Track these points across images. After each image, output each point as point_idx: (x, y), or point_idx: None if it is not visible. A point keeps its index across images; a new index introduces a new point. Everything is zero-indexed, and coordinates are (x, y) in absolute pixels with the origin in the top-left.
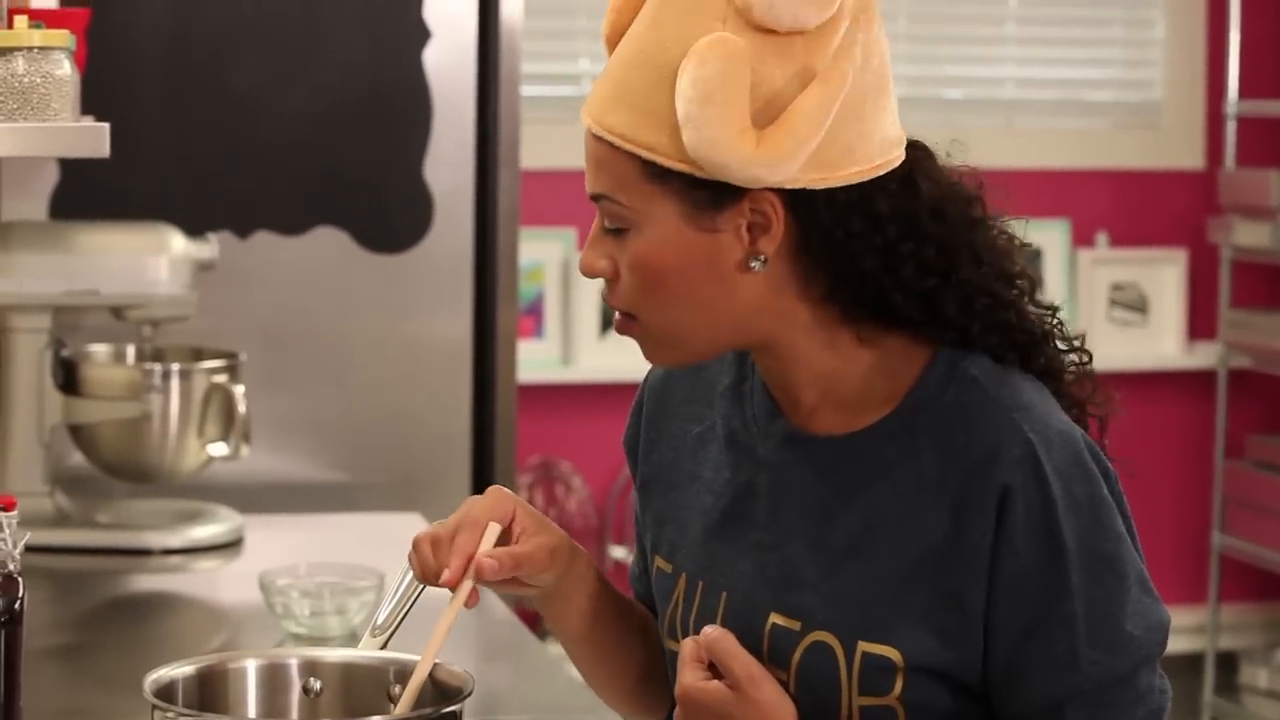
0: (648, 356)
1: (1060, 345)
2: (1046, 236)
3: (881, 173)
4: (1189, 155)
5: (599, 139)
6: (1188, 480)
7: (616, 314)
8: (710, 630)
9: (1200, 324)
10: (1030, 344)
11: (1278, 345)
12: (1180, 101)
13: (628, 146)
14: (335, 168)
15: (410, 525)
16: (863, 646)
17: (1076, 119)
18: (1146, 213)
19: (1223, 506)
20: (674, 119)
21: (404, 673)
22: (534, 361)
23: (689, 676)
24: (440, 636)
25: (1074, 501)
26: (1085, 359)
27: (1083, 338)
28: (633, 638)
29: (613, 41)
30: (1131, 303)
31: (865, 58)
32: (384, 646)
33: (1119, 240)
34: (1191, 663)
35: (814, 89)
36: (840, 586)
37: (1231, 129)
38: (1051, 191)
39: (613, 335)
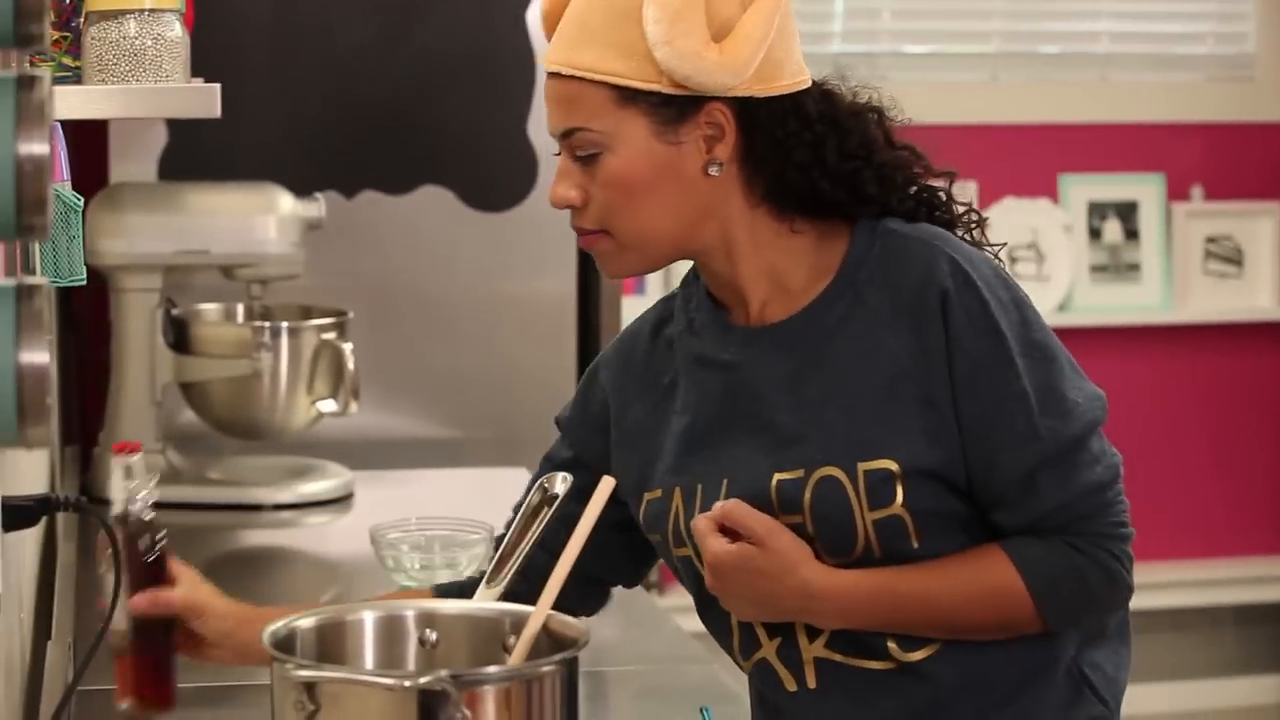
0: (611, 269)
1: (958, 205)
2: (1141, 190)
3: (802, 87)
4: None
5: (570, 78)
6: None
7: (582, 234)
8: (721, 503)
9: None
10: (936, 204)
11: None
12: (1274, 54)
13: (601, 77)
14: (439, 128)
15: (518, 479)
16: (862, 467)
17: (1170, 73)
18: (1241, 166)
19: None
20: (641, 46)
21: (519, 623)
22: (635, 318)
23: (715, 545)
24: (556, 587)
25: (1002, 302)
26: (977, 216)
27: (969, 204)
28: None
29: (551, 20)
30: (1227, 255)
31: None
32: (500, 598)
33: (1214, 193)
34: None
35: (757, 7)
36: (829, 426)
37: None
38: (1146, 145)
39: None
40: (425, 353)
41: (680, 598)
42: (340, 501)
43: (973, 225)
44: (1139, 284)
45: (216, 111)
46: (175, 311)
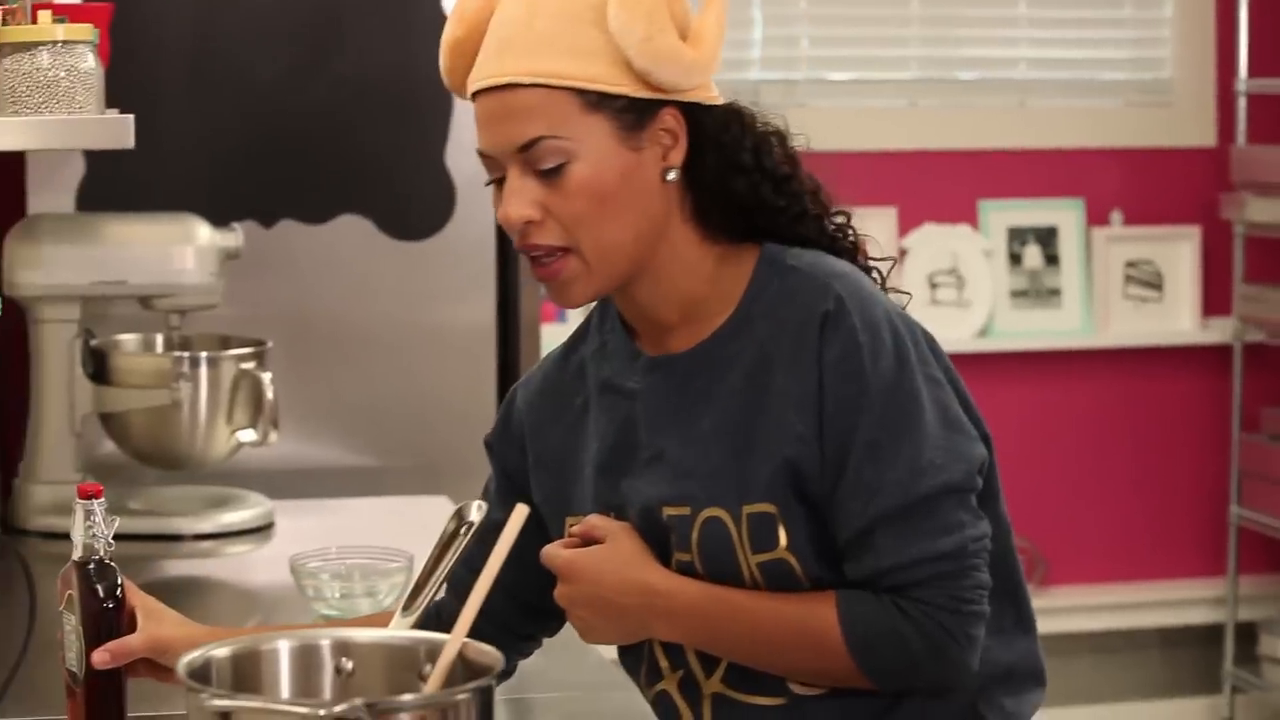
0: (572, 294)
1: (860, 240)
2: (1061, 215)
3: (722, 101)
4: (1201, 133)
5: (530, 87)
6: (1205, 455)
7: (538, 260)
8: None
9: (1215, 300)
10: (844, 233)
11: None
12: (1191, 79)
13: (567, 82)
14: (358, 156)
15: (437, 508)
16: (746, 509)
17: (1089, 98)
18: (1160, 190)
19: (1239, 480)
20: (604, 49)
21: (434, 651)
22: (557, 344)
23: (561, 551)
24: (470, 615)
25: (879, 347)
26: (880, 260)
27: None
28: None
29: (467, 42)
30: (1147, 279)
31: None
32: (415, 625)
33: (1133, 218)
34: (1212, 634)
35: (713, 6)
36: (716, 466)
37: (1242, 105)
38: (1065, 171)
39: None
40: (344, 382)
41: None
42: (260, 531)
43: (871, 266)
44: (1059, 309)
45: (130, 142)
46: (94, 342)
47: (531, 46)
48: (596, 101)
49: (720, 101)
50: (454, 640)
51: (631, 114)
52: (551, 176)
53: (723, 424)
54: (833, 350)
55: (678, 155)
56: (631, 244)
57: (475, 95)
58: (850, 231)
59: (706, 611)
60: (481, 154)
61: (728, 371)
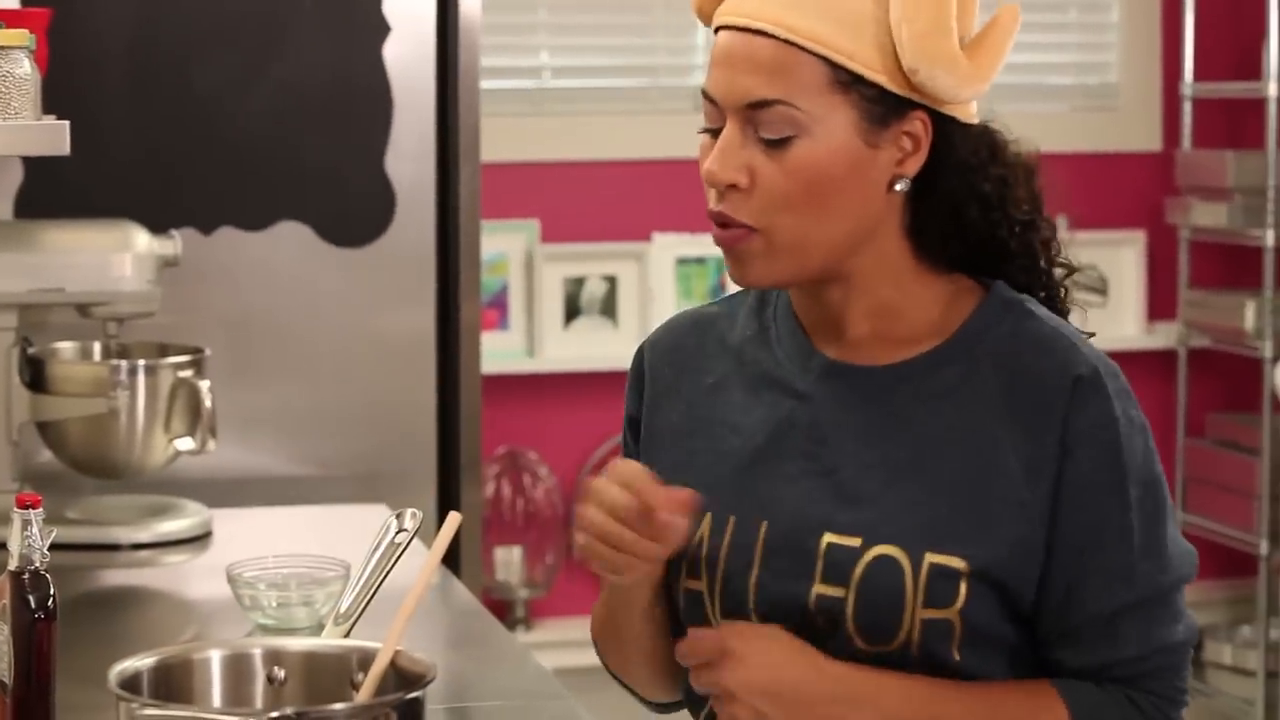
0: (751, 273)
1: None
2: None
3: (976, 120)
4: (1146, 137)
5: (784, 42)
6: None
7: (722, 228)
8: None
9: (1160, 304)
10: (1059, 308)
11: (1236, 324)
12: (1136, 84)
13: (823, 51)
14: (297, 163)
15: (376, 516)
16: (930, 557)
17: (1034, 103)
18: (1105, 195)
19: (1184, 485)
20: (871, 31)
21: (366, 660)
22: (498, 353)
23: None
24: (401, 624)
25: (1132, 424)
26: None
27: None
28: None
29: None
30: (1091, 284)
31: None
32: (347, 635)
33: (1078, 223)
34: None
35: (1003, 23)
36: (905, 500)
37: (1188, 110)
38: None
39: (576, 325)
40: (283, 389)
41: (543, 634)
42: (198, 540)
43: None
44: None
45: (65, 149)
46: (31, 350)
47: (793, 1)
48: (848, 81)
49: (975, 120)
50: (386, 649)
51: (880, 106)
52: (774, 147)
53: (922, 458)
54: (1084, 418)
55: (914, 164)
56: (834, 243)
57: (719, 29)
58: (1065, 291)
59: (917, 702)
60: (705, 95)
61: (934, 400)
